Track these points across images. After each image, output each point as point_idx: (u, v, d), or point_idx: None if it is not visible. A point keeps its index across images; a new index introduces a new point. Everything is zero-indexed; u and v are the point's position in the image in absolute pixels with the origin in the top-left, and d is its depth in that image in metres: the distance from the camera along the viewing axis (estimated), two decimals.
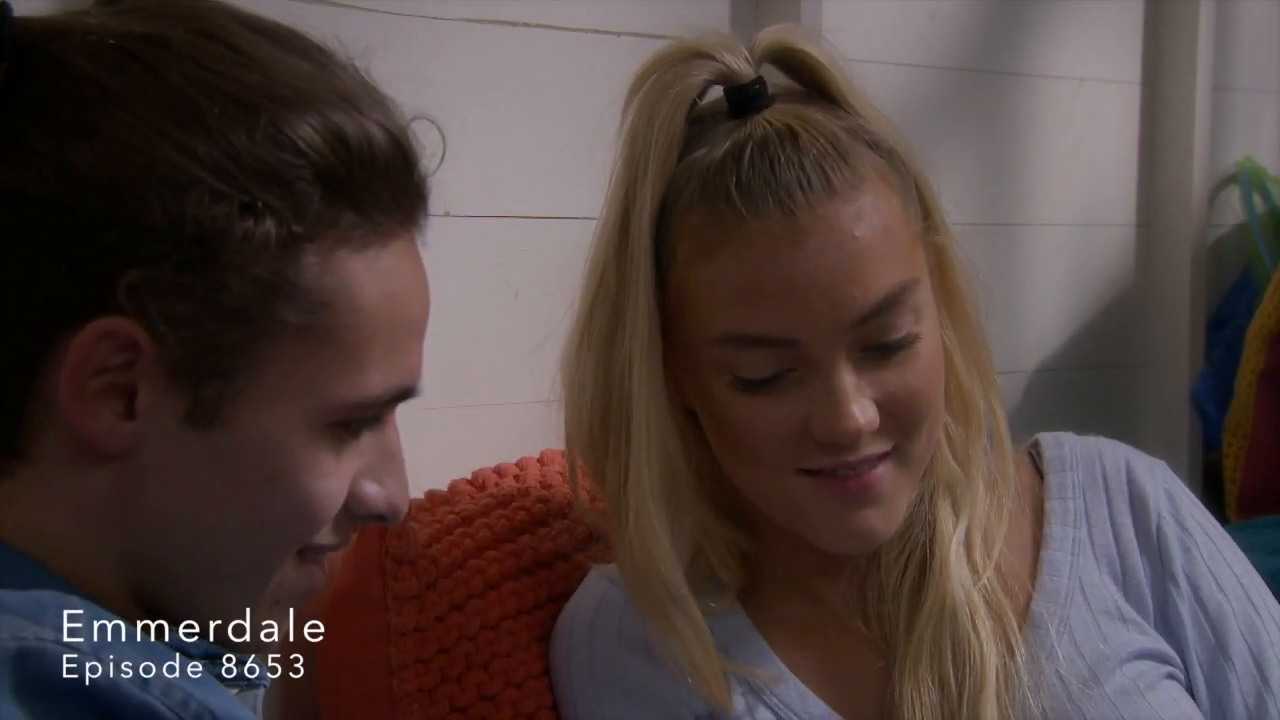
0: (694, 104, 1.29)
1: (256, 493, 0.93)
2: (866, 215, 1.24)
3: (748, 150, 1.25)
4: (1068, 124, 2.13)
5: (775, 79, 1.31)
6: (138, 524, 0.94)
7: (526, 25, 1.54)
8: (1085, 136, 2.16)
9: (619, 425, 1.29)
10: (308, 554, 0.98)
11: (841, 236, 1.23)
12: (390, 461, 0.99)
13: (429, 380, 1.50)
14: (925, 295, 1.28)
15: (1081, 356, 2.17)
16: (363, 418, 0.96)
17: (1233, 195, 2.39)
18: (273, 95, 0.91)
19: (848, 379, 1.24)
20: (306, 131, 0.90)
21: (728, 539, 1.34)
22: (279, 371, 0.92)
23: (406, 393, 0.97)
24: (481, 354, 1.54)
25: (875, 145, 1.27)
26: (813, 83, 1.31)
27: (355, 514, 0.98)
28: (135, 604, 0.96)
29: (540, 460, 1.52)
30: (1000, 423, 1.36)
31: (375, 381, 0.95)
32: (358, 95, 0.94)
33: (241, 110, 0.90)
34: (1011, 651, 1.29)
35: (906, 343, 1.25)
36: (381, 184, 0.94)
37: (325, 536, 0.98)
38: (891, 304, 1.24)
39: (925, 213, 1.31)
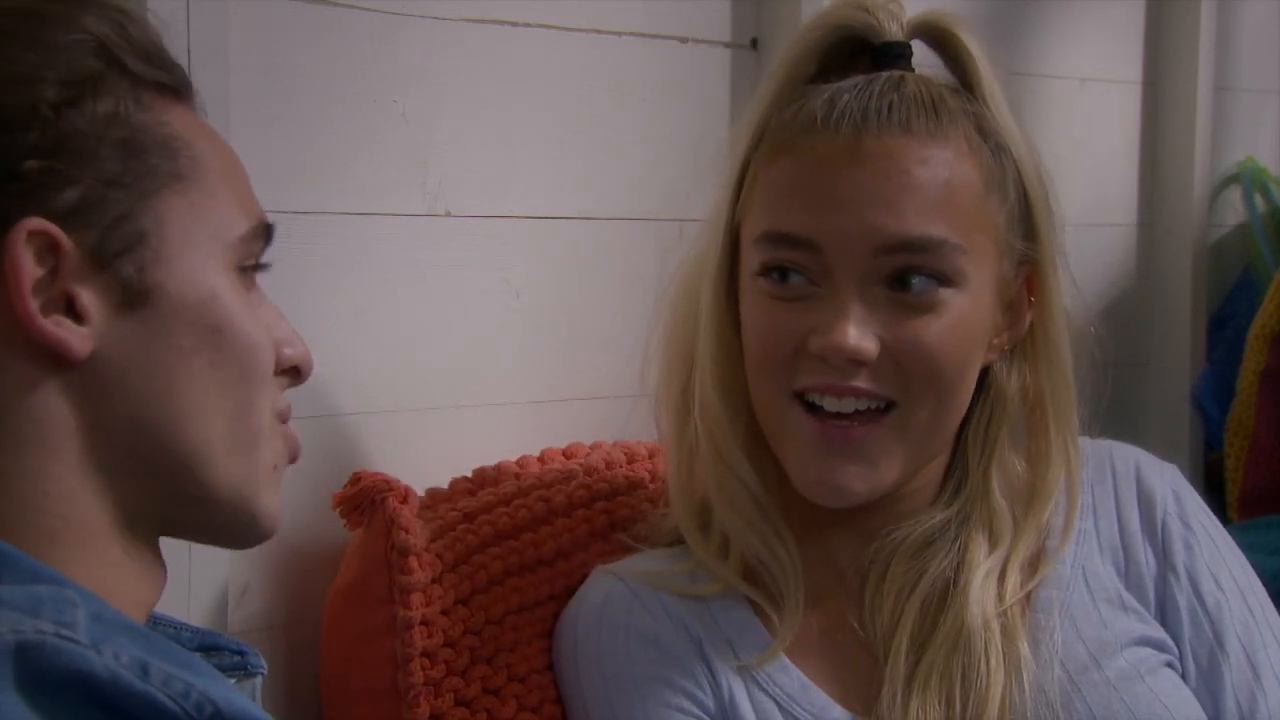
0: (835, 50, 1.34)
1: (209, 349, 0.98)
2: (932, 164, 1.27)
3: (856, 85, 1.30)
4: (1069, 124, 2.13)
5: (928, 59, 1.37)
6: (112, 437, 0.96)
7: (526, 25, 1.54)
8: (1086, 136, 2.16)
9: (690, 329, 1.36)
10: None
11: (897, 169, 1.27)
12: (283, 319, 1.06)
13: (430, 380, 1.51)
14: (972, 270, 1.29)
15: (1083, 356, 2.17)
16: (251, 260, 1.02)
17: (1234, 195, 2.39)
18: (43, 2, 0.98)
19: (855, 302, 1.27)
20: (83, 18, 0.98)
21: (750, 476, 1.36)
22: (177, 224, 0.97)
23: (267, 230, 1.04)
24: (481, 354, 1.54)
25: (982, 130, 1.31)
26: (957, 68, 1.34)
27: (279, 369, 1.04)
28: (139, 537, 0.98)
29: (540, 459, 1.52)
30: (1073, 476, 1.37)
31: (238, 215, 1.01)
32: None
33: (25, 15, 0.96)
34: (1021, 679, 1.30)
35: (927, 298, 1.27)
36: (150, 48, 1.01)
37: (279, 396, 1.03)
38: (920, 249, 1.26)
39: (1030, 229, 1.33)
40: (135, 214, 0.96)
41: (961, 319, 1.29)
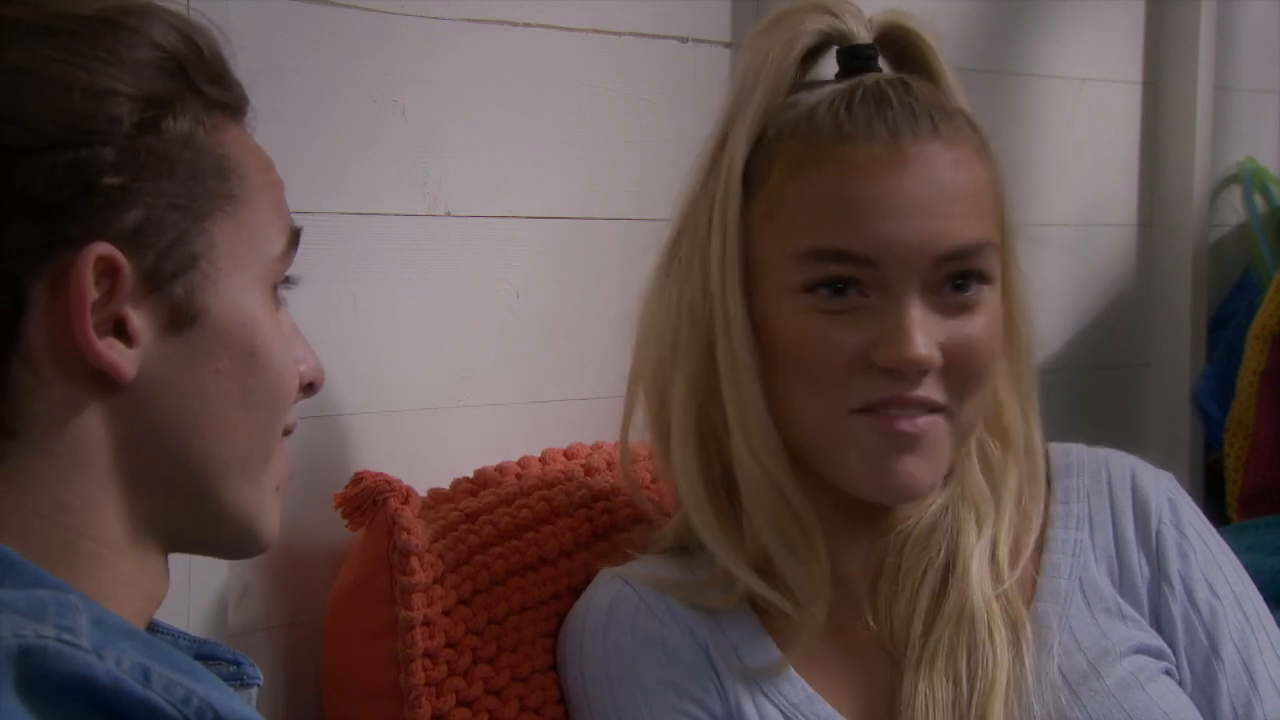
0: (807, 52, 1.32)
1: (243, 373, 0.98)
2: (964, 166, 1.29)
3: (859, 89, 1.29)
4: (1069, 124, 2.13)
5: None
6: (141, 454, 0.95)
7: (526, 25, 1.54)
8: (1087, 136, 2.16)
9: (698, 343, 1.32)
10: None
11: (940, 174, 1.27)
12: (299, 335, 1.05)
13: (430, 380, 1.51)
14: (998, 267, 1.31)
15: (1082, 356, 2.17)
16: (283, 276, 1.02)
17: (1234, 195, 2.39)
18: (115, 10, 0.96)
19: (917, 310, 1.26)
20: (159, 32, 0.96)
21: (796, 495, 1.33)
22: (227, 246, 0.97)
23: (296, 235, 1.03)
24: (482, 354, 1.54)
25: (974, 127, 1.32)
26: (920, 66, 1.34)
27: (297, 386, 1.04)
28: (150, 550, 0.98)
29: (542, 459, 1.52)
30: (1036, 449, 1.39)
31: (277, 233, 1.01)
32: (155, 5, 0.99)
33: (104, 26, 0.95)
34: (1022, 659, 1.31)
35: (975, 297, 1.29)
36: (219, 67, 1.00)
37: (291, 412, 1.03)
38: (973, 253, 1.28)
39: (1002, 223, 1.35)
40: (190, 237, 0.95)
41: (995, 313, 1.31)
